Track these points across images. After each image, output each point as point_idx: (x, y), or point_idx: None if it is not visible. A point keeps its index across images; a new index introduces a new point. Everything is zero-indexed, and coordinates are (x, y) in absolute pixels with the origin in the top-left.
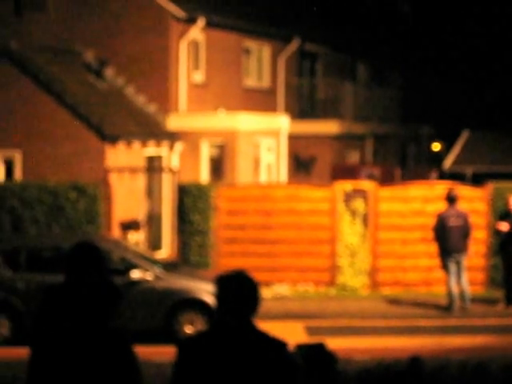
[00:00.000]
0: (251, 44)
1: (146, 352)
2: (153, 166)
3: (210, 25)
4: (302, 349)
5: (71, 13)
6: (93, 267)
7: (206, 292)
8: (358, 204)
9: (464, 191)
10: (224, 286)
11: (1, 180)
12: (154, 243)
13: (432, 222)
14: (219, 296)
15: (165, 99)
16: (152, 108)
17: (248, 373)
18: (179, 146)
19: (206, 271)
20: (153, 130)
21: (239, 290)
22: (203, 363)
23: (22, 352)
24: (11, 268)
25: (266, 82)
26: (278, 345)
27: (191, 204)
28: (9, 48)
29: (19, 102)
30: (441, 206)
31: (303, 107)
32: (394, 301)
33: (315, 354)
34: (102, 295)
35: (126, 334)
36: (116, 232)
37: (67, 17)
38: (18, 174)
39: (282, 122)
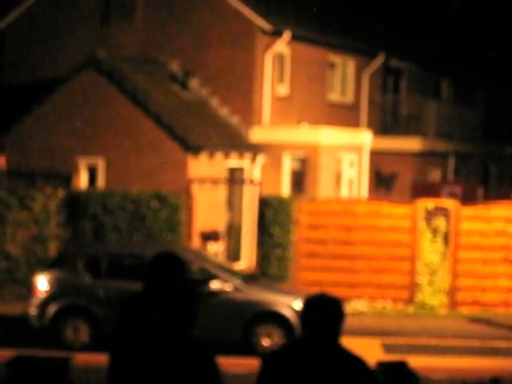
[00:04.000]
0: (336, 58)
1: (222, 363)
2: (234, 178)
3: (295, 38)
4: (384, 366)
5: (158, 23)
6: (173, 277)
7: (285, 305)
8: (440, 222)
9: None
10: (313, 308)
11: (84, 187)
12: (233, 254)
13: None
14: (306, 316)
15: (248, 111)
16: (235, 120)
17: None
18: (261, 159)
19: (284, 284)
20: (235, 142)
21: (326, 312)
22: (286, 377)
23: (101, 358)
24: (92, 275)
25: (349, 97)
26: (360, 363)
27: (272, 217)
28: (95, 57)
29: (104, 110)
30: None
31: (386, 123)
32: (472, 321)
33: (397, 372)
34: (181, 304)
35: (209, 346)
36: (196, 242)
37: (154, 27)
38: (101, 181)
39: (364, 138)
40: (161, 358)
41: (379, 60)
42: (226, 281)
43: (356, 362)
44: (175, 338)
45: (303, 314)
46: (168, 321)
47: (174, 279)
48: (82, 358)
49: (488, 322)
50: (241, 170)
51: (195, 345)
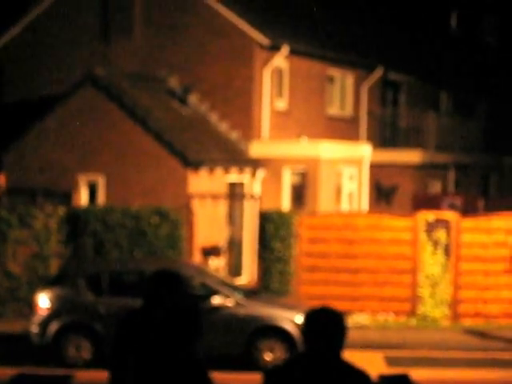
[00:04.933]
0: (334, 72)
1: (225, 378)
2: (235, 193)
3: (293, 52)
4: (386, 380)
5: (157, 39)
6: (172, 294)
7: (287, 319)
8: (440, 234)
9: None
10: (314, 321)
11: (84, 204)
12: (235, 269)
13: None
14: (308, 331)
15: (248, 126)
16: (235, 135)
17: None
18: (261, 173)
19: (286, 298)
20: (235, 157)
21: (328, 326)
22: None
23: (103, 375)
24: (93, 292)
25: (348, 111)
26: (363, 376)
27: (272, 231)
28: (94, 74)
29: (104, 127)
30: None
31: (385, 136)
32: (474, 333)
33: None
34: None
35: (203, 362)
36: (197, 257)
37: (153, 43)
38: (101, 198)
39: (364, 151)
40: (158, 374)
41: (378, 73)
42: (227, 296)
43: (358, 375)
44: (173, 355)
45: (305, 328)
46: (168, 338)
47: (173, 296)
48: (84, 376)
49: (488, 334)
50: (241, 184)
51: (189, 361)
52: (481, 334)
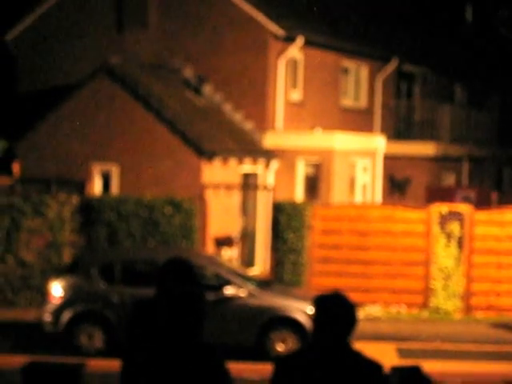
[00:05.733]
0: (349, 64)
1: (236, 368)
2: (248, 183)
3: (308, 44)
4: (398, 371)
5: (172, 29)
6: (182, 282)
7: (299, 310)
8: (454, 227)
9: None
10: (321, 306)
11: (98, 193)
12: (248, 260)
13: None
14: (316, 316)
15: (262, 117)
16: (249, 125)
17: None
18: (275, 164)
19: (298, 289)
20: (249, 148)
21: (336, 311)
22: (299, 382)
23: (115, 364)
24: (106, 281)
25: (363, 102)
26: (374, 366)
27: (286, 222)
28: (109, 63)
29: (118, 117)
30: None
31: (400, 128)
32: (487, 325)
33: (411, 376)
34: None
35: (217, 349)
36: (210, 248)
37: (168, 33)
38: (114, 187)
39: (378, 143)
40: (170, 362)
41: (393, 65)
42: (240, 286)
43: (370, 364)
44: (183, 342)
45: (313, 312)
46: (174, 325)
47: (183, 284)
48: (97, 364)
49: (502, 326)
50: (255, 175)
51: (203, 348)
52: (492, 327)
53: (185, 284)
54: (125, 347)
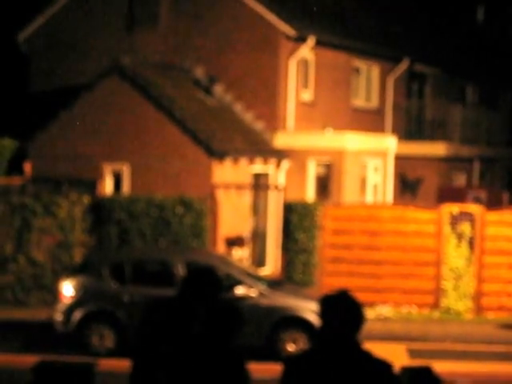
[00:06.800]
0: (360, 64)
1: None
2: (259, 183)
3: (319, 44)
4: (408, 371)
5: (182, 29)
6: (214, 292)
7: (310, 310)
8: (465, 227)
9: None
10: (328, 305)
11: (109, 193)
12: (258, 260)
13: None
14: (323, 316)
15: (273, 117)
16: (260, 125)
17: None
18: (286, 164)
19: (309, 290)
20: (260, 148)
21: (343, 310)
22: (309, 381)
23: (126, 364)
24: (117, 280)
25: (374, 102)
26: (384, 365)
27: (297, 222)
28: (119, 63)
29: (129, 116)
30: None
31: (411, 128)
32: (498, 326)
33: (421, 377)
34: (225, 322)
35: (242, 354)
36: (221, 248)
37: (178, 33)
38: (125, 187)
39: (389, 143)
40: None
41: (404, 65)
42: (251, 286)
43: (380, 364)
44: (215, 349)
45: (320, 311)
46: (212, 333)
47: (216, 294)
48: (107, 364)
49: None
50: (265, 175)
51: (228, 354)
52: (503, 327)
53: (216, 293)
54: (135, 347)
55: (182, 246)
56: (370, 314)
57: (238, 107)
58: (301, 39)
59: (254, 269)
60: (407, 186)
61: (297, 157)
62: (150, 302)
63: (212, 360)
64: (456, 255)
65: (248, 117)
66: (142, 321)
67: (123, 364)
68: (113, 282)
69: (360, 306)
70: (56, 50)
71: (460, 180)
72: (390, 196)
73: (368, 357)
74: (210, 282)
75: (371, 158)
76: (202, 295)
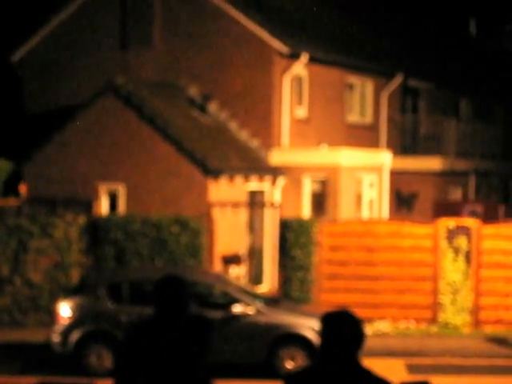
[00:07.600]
0: (354, 80)
1: None
2: (255, 201)
3: (313, 60)
4: None
5: (176, 48)
6: (176, 300)
7: (308, 327)
8: (461, 241)
9: None
10: (329, 323)
11: (105, 213)
12: (255, 278)
13: None
14: (324, 333)
15: (267, 134)
16: (255, 143)
17: None
18: (281, 181)
19: (307, 306)
20: (255, 165)
21: (343, 328)
22: None
23: None
24: (114, 301)
25: (368, 118)
26: (382, 382)
27: (293, 239)
28: (114, 83)
29: (123, 136)
30: None
31: (405, 143)
32: (496, 340)
33: None
34: (195, 329)
35: (210, 375)
36: (218, 266)
37: (172, 52)
38: (121, 206)
39: (384, 158)
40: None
41: (397, 80)
42: (248, 304)
43: (379, 382)
44: (187, 365)
45: (321, 330)
46: (183, 348)
47: (180, 299)
48: None
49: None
50: (261, 192)
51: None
52: (501, 341)
53: (179, 301)
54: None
55: (179, 265)
56: (367, 329)
57: (233, 125)
58: (294, 56)
59: (251, 286)
60: (403, 200)
61: (292, 173)
62: (135, 322)
63: (183, 377)
64: (453, 269)
65: (243, 134)
66: (127, 341)
67: None
68: (110, 302)
69: (361, 323)
70: (50, 71)
71: (456, 194)
72: (385, 211)
73: (369, 375)
74: (171, 287)
75: (366, 174)
76: (167, 303)
